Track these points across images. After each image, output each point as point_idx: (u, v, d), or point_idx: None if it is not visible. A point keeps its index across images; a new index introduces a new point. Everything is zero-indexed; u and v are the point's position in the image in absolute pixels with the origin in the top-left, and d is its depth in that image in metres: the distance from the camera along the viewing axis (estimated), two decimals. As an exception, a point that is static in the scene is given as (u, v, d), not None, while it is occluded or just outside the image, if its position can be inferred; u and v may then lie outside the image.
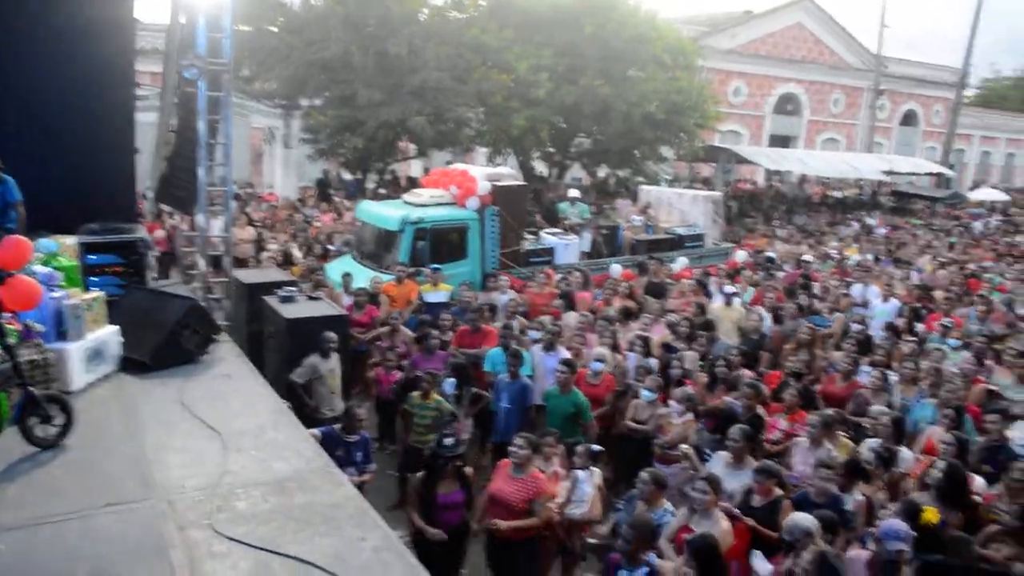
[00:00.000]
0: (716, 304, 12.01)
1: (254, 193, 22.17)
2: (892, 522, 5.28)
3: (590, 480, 6.78)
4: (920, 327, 11.67)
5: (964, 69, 39.00)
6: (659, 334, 10.36)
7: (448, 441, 6.35)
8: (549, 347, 9.31)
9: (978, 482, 6.78)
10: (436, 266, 12.18)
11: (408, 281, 11.72)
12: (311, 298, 9.39)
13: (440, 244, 12.92)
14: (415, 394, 8.33)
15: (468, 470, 6.63)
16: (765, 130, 39.30)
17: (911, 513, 5.61)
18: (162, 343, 7.00)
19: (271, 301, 9.08)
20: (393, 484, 8.78)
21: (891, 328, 10.94)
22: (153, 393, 6.50)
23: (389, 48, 18.90)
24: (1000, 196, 37.56)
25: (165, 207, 14.20)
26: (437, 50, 19.40)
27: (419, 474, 6.51)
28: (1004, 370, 9.51)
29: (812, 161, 30.71)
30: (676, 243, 15.94)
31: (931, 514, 5.61)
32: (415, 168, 26.28)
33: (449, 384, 8.64)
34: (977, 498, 6.60)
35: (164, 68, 13.43)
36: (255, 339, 9.36)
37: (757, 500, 6.21)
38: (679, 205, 17.72)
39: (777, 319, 11.24)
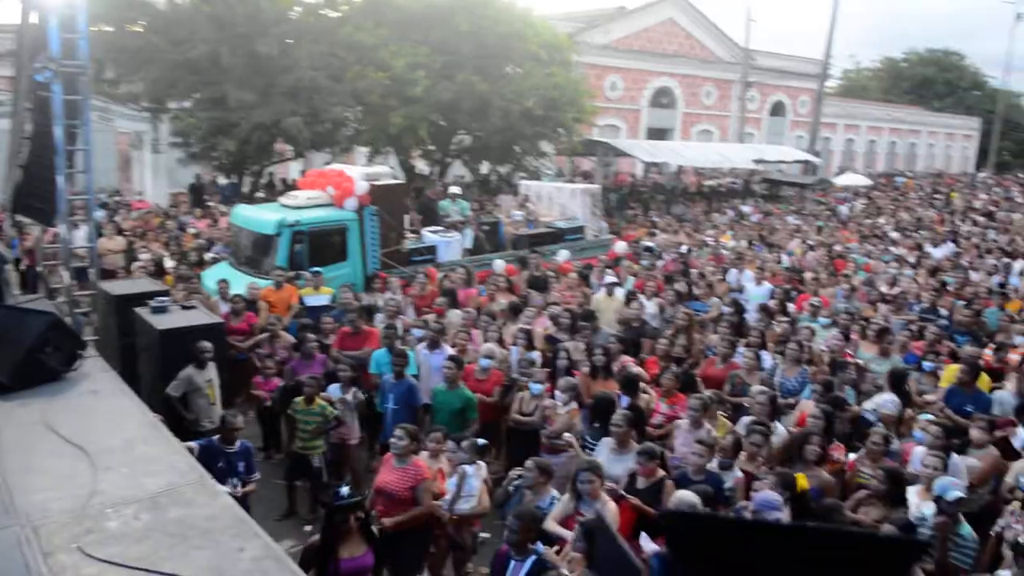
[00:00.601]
0: (599, 295, 12.24)
1: (123, 201, 21.27)
2: (766, 493, 5.48)
3: (478, 474, 6.80)
4: (791, 308, 12.16)
5: (825, 61, 40.81)
6: (542, 327, 10.48)
7: (344, 490, 5.55)
8: (434, 345, 9.29)
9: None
10: (316, 269, 11.97)
11: (287, 286, 11.48)
12: (185, 307, 9.09)
13: (319, 246, 12.68)
14: (299, 400, 8.21)
15: (378, 525, 6.10)
16: (642, 123, 40.20)
17: (786, 483, 5.85)
18: (21, 362, 6.62)
19: (142, 313, 8.76)
20: (281, 494, 8.61)
21: (764, 310, 11.37)
22: (13, 414, 6.14)
23: (260, 48, 18.41)
24: (863, 181, 39.56)
25: (24, 219, 13.48)
26: (310, 49, 19.03)
27: (314, 538, 5.69)
28: (868, 344, 10.03)
29: (687, 152, 31.59)
30: (557, 236, 16.14)
31: (803, 480, 5.88)
32: (294, 170, 25.74)
33: (335, 388, 8.55)
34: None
35: (16, 71, 12.71)
36: (127, 353, 9.01)
37: (641, 482, 6.36)
38: (559, 199, 17.93)
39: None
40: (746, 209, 27.18)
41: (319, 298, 11.54)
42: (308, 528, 8.24)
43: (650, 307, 11.51)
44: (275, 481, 8.81)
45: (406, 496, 6.41)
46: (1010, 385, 8.71)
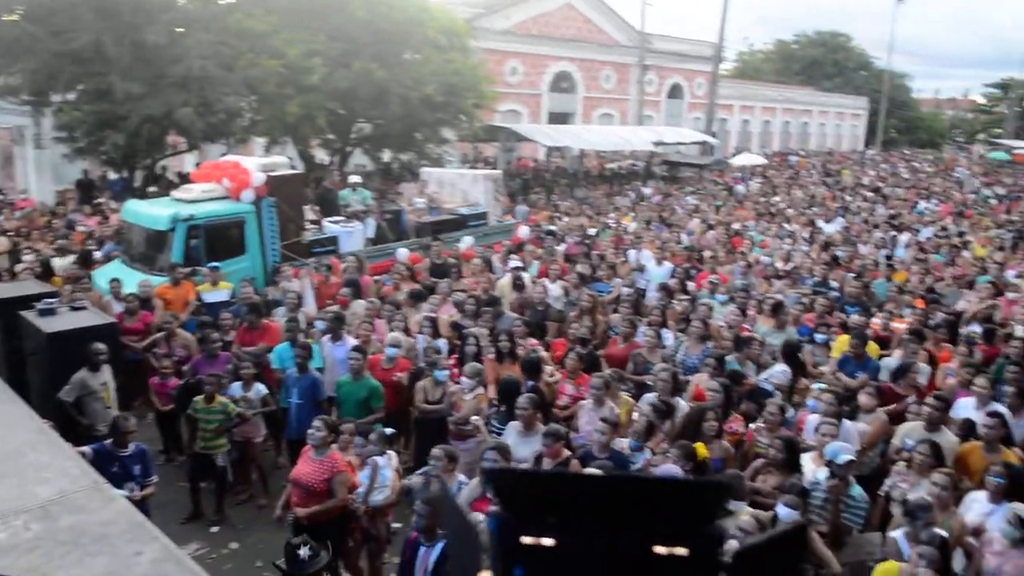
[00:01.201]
0: (503, 280, 12.30)
1: (5, 200, 20.28)
2: (666, 467, 5.61)
3: (389, 464, 6.79)
4: (691, 286, 12.46)
5: (719, 44, 41.80)
6: (447, 314, 10.47)
7: (303, 552, 5.26)
8: (336, 337, 9.18)
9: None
10: (214, 264, 11.67)
11: (184, 282, 11.18)
12: (74, 308, 8.76)
13: (216, 241, 12.34)
14: (199, 399, 8.02)
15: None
16: (543, 108, 40.41)
17: (688, 454, 6.01)
18: None
19: (29, 316, 8.41)
20: (185, 496, 8.41)
21: (664, 289, 11.61)
22: None
23: (147, 37, 17.76)
24: (759, 160, 40.76)
25: None
26: (199, 38, 18.46)
27: None
28: (764, 318, 10.36)
29: (588, 136, 31.95)
30: (460, 223, 16.11)
31: (702, 449, 6.07)
32: (188, 163, 24.98)
33: (236, 387, 8.39)
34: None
35: None
36: (15, 358, 8.65)
37: (547, 463, 6.43)
38: (461, 185, 17.91)
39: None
40: (647, 191, 27.70)
41: (218, 294, 11.28)
42: (214, 530, 8.09)
43: (554, 290, 11.63)
44: (178, 484, 8.60)
45: (322, 488, 6.38)
46: (897, 352, 9.12)
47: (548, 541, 1.23)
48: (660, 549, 1.20)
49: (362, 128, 23.66)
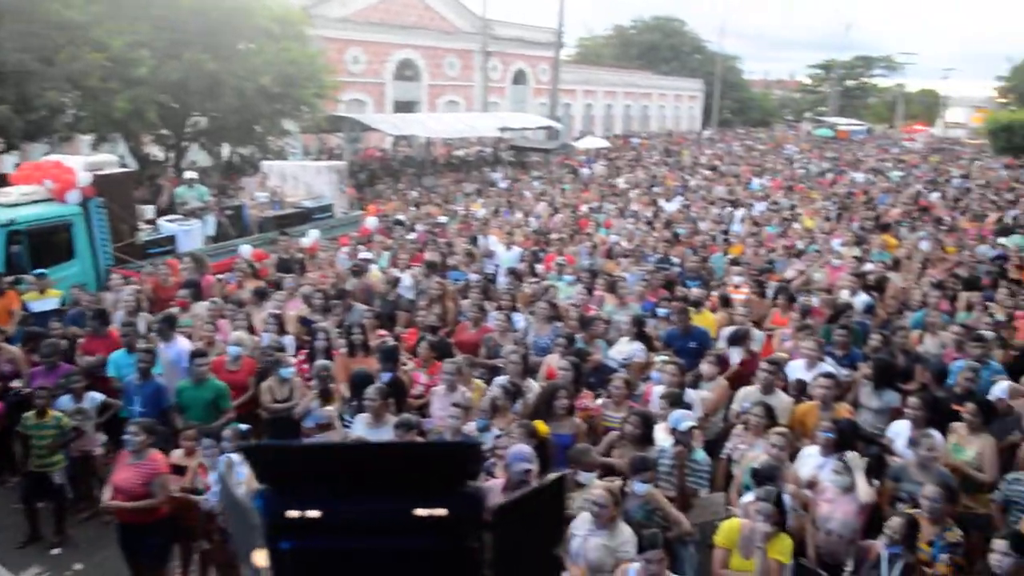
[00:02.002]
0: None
1: None
2: (517, 447, 5.68)
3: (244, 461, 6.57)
4: (540, 268, 12.65)
5: (559, 30, 42.44)
6: (295, 310, 10.24)
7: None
8: (166, 338, 8.76)
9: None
10: (40, 271, 10.94)
11: (8, 291, 10.44)
12: None
13: (40, 246, 11.57)
14: (29, 414, 7.53)
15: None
16: (388, 97, 40.00)
17: (530, 432, 6.10)
18: None
19: None
20: (21, 518, 7.89)
21: (513, 273, 11.74)
22: None
23: (-50, 30, 16.46)
24: (602, 143, 41.78)
25: None
26: (13, 29, 17.19)
27: None
28: (610, 297, 10.63)
29: (434, 124, 31.84)
30: (305, 216, 15.76)
31: (541, 427, 6.19)
32: (7, 164, 23.33)
33: (65, 400, 7.91)
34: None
35: None
36: None
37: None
38: (304, 178, 17.51)
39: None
40: (494, 177, 27.89)
41: (46, 302, 10.57)
42: (56, 552, 7.64)
43: (404, 280, 11.55)
44: (12, 506, 8.08)
45: (142, 492, 6.29)
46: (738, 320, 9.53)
47: (314, 513, 1.25)
48: (420, 511, 1.25)
49: (197, 122, 22.67)
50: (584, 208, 19.63)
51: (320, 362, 8.16)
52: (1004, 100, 67.19)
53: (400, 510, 1.25)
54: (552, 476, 1.44)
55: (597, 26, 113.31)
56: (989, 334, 8.95)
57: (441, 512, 1.25)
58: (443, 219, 17.07)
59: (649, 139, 51.07)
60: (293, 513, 1.26)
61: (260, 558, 1.29)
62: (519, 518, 1.33)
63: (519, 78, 49.72)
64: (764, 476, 5.66)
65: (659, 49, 75.28)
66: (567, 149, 37.15)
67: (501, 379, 7.81)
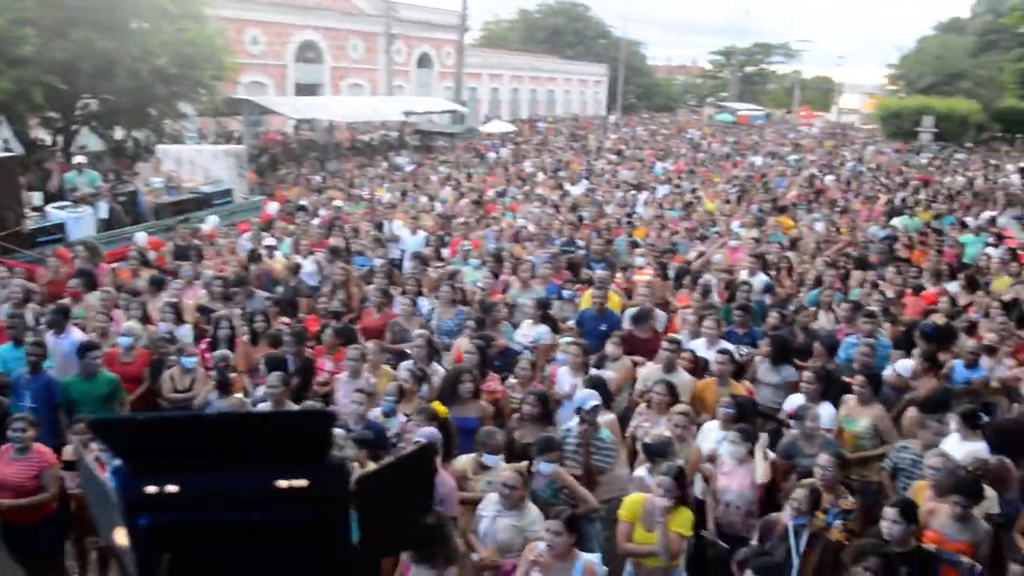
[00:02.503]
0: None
1: None
2: (423, 429, 5.66)
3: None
4: (446, 252, 12.58)
5: (463, 13, 42.20)
6: (193, 298, 9.93)
7: None
8: (58, 328, 8.39)
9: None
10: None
11: None
12: None
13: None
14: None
15: None
16: (289, 79, 39.11)
17: (431, 415, 6.10)
18: None
19: None
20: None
21: (418, 257, 11.64)
22: None
23: None
24: (508, 127, 41.82)
25: None
26: None
27: None
28: (516, 280, 10.64)
29: (336, 107, 31.31)
30: (203, 202, 15.30)
31: (441, 409, 6.20)
32: None
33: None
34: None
35: None
36: None
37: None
38: (201, 162, 16.98)
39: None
40: (400, 161, 27.63)
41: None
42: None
43: (307, 266, 11.32)
44: None
45: (32, 486, 6.05)
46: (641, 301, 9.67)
47: (172, 488, 1.22)
48: (281, 483, 1.23)
49: (88, 104, 21.69)
50: (490, 192, 19.63)
51: (219, 352, 7.95)
52: (894, 87, 69.97)
53: (261, 482, 1.23)
54: (416, 445, 1.43)
55: (502, 10, 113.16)
56: (879, 310, 9.33)
57: (302, 483, 1.23)
58: (341, 204, 16.72)
59: (555, 123, 51.34)
60: (150, 488, 1.22)
61: (120, 536, 1.25)
62: (384, 488, 1.32)
63: (424, 61, 49.31)
64: (655, 451, 5.77)
65: (564, 34, 75.67)
66: (473, 133, 37.05)
67: (407, 364, 7.77)
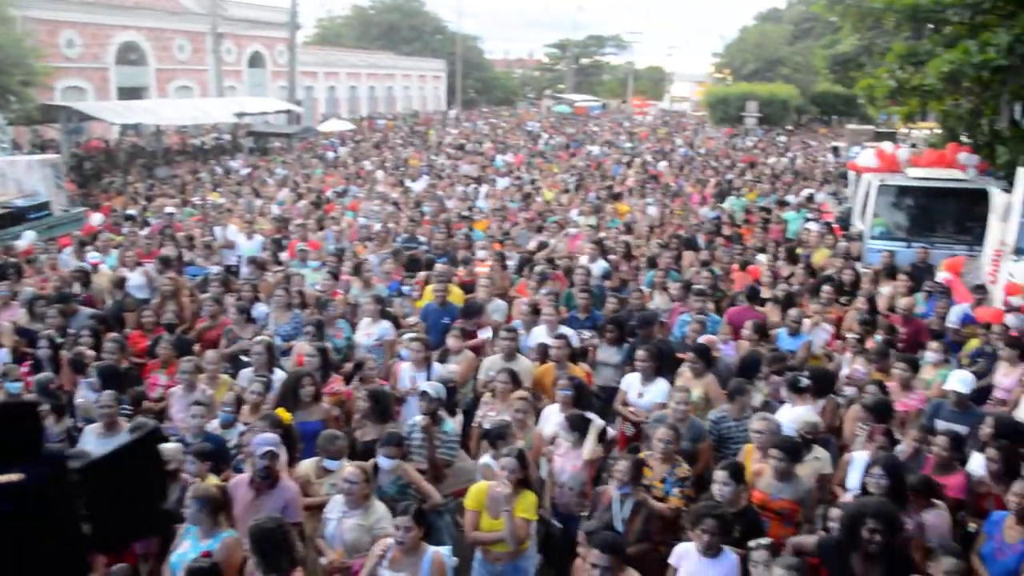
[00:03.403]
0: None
1: None
2: (262, 435, 5.53)
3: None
4: (284, 256, 12.29)
5: (293, 10, 41.19)
6: (8, 319, 9.29)
7: None
8: None
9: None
10: None
11: None
12: None
13: None
14: None
15: None
16: (111, 83, 37.09)
17: (275, 422, 5.98)
18: None
19: None
20: None
21: (255, 262, 11.31)
22: None
23: None
24: (347, 126, 41.18)
25: None
26: None
27: None
28: (356, 280, 10.51)
29: (163, 111, 29.94)
30: (17, 217, 14.32)
31: (284, 414, 6.10)
32: None
33: None
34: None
35: None
36: None
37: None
38: (13, 174, 15.86)
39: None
40: (234, 164, 26.76)
41: None
42: None
43: (135, 278, 10.78)
44: None
45: None
46: (482, 293, 9.76)
47: None
48: None
49: None
50: (329, 192, 19.31)
51: (42, 375, 7.48)
52: (720, 75, 73.39)
53: None
54: (140, 432, 1.41)
55: (336, 6, 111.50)
56: (707, 287, 9.78)
57: (17, 477, 1.22)
58: (172, 211, 15.97)
59: (395, 120, 51.01)
60: None
61: None
62: (111, 477, 1.31)
63: (256, 61, 47.89)
64: (495, 436, 5.86)
65: (400, 30, 75.17)
66: (311, 133, 36.26)
67: (247, 372, 7.56)
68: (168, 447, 5.67)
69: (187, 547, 4.99)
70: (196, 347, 8.56)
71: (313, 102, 51.55)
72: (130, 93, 36.74)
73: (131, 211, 16.22)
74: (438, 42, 76.75)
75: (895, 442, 6.08)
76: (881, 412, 6.35)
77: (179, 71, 41.42)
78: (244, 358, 8.14)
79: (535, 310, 8.78)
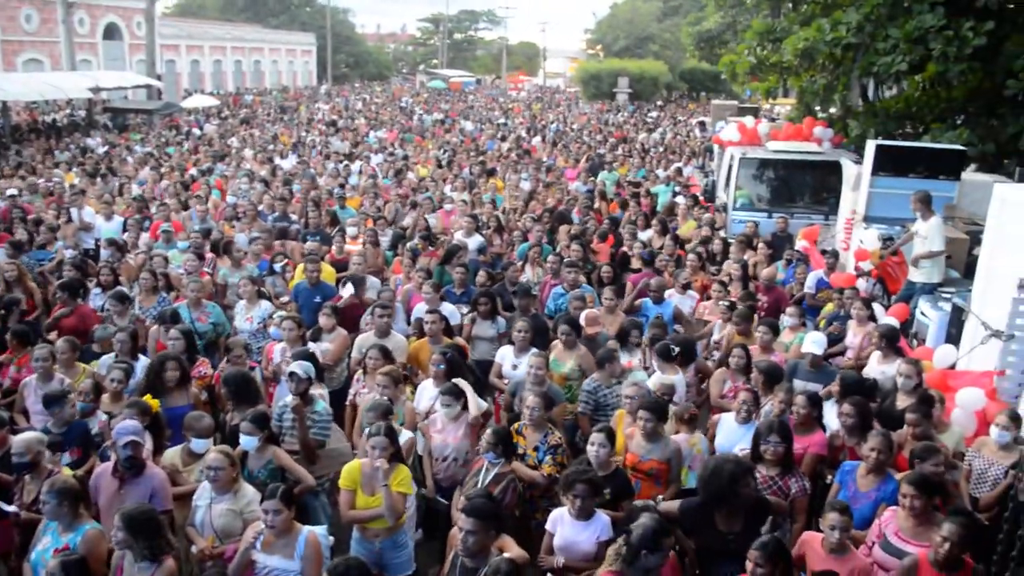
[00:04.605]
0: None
1: None
2: (124, 423, 5.33)
3: None
4: (145, 237, 11.78)
5: (149, -23, 39.34)
6: None
7: None
8: None
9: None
10: None
11: None
12: None
13: None
14: None
15: None
16: (-49, 57, 34.69)
17: (143, 409, 5.78)
18: None
19: None
20: None
21: (114, 244, 10.82)
22: None
23: None
24: (211, 102, 39.66)
25: None
26: None
27: None
28: (224, 260, 10.20)
29: (9, 86, 28.03)
30: None
31: (152, 402, 5.91)
32: None
33: None
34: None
35: None
36: None
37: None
38: None
39: None
40: (91, 142, 25.44)
41: None
42: None
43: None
44: None
45: None
46: (354, 270, 9.63)
47: None
48: None
49: None
50: (193, 170, 18.58)
51: None
52: (592, 51, 74.44)
53: None
54: None
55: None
56: (579, 260, 9.97)
57: None
58: (15, 192, 14.89)
59: (262, 96, 49.55)
60: None
61: None
62: None
63: (112, 33, 45.53)
64: (381, 413, 5.82)
65: (266, 2, 73.03)
66: (173, 108, 34.71)
67: (107, 359, 7.24)
68: (25, 437, 5.40)
69: (47, 543, 4.78)
70: (53, 335, 8.13)
71: (175, 77, 49.53)
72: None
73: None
74: (307, 15, 75.00)
75: (758, 403, 6.37)
76: (772, 375, 6.71)
77: (27, 43, 39.00)
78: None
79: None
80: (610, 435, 5.56)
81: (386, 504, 5.25)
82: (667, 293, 9.06)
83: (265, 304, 8.70)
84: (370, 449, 5.24)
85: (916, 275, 9.43)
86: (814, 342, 7.22)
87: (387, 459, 5.23)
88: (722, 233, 12.70)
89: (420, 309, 8.45)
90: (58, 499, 4.72)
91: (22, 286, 9.20)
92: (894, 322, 8.25)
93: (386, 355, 6.87)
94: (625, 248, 11.19)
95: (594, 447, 5.44)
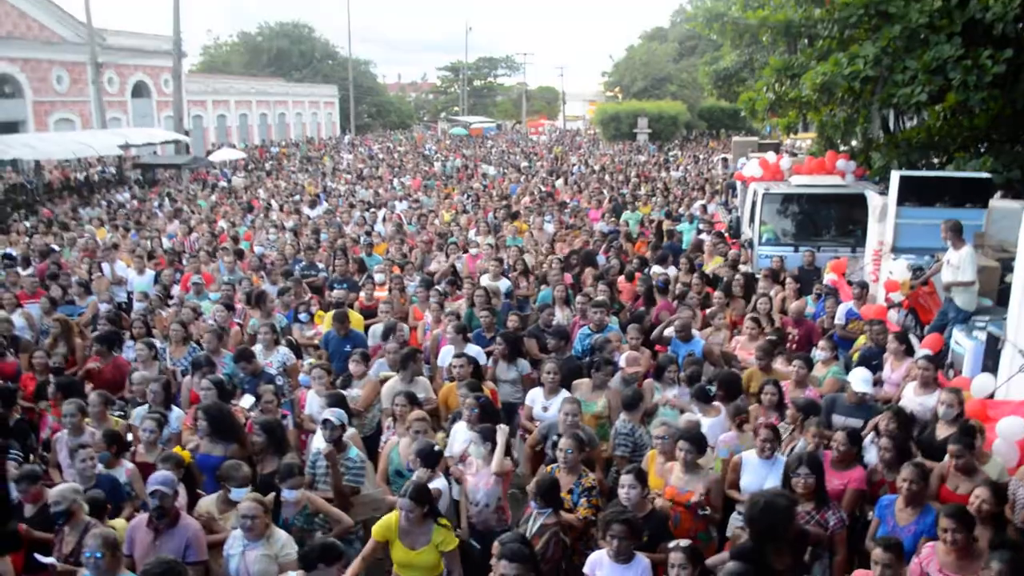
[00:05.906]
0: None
1: None
2: (153, 475, 5.36)
3: None
4: (177, 290, 11.94)
5: (176, 38, 40.13)
6: None
7: None
8: None
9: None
10: None
11: None
12: None
13: None
14: None
15: None
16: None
17: (177, 462, 5.81)
18: None
19: None
20: None
21: (147, 297, 10.97)
22: None
23: None
24: (238, 154, 40.33)
25: None
26: None
27: None
28: (251, 310, 10.28)
29: (42, 145, 28.73)
30: None
31: (184, 454, 5.95)
32: None
33: None
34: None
35: None
36: None
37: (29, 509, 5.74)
38: None
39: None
40: (121, 198, 25.91)
41: None
42: None
43: (15, 320, 10.26)
44: None
45: None
46: (382, 318, 9.71)
47: None
48: None
49: None
50: (222, 223, 18.85)
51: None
52: (611, 93, 75.02)
53: None
54: None
55: (222, 33, 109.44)
56: (606, 300, 9.94)
57: None
58: (54, 247, 15.19)
59: (288, 147, 50.29)
60: None
61: None
62: None
63: (141, 91, 46.51)
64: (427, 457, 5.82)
65: (290, 56, 74.39)
66: (201, 163, 35.33)
67: (141, 411, 7.31)
68: (60, 487, 5.45)
69: (87, 594, 4.78)
70: (88, 387, 8.21)
71: (202, 131, 50.41)
72: (6, 127, 35.19)
73: (10, 250, 15.45)
74: (329, 67, 76.20)
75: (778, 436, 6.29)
76: (810, 411, 6.60)
77: (58, 103, 39.91)
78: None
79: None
80: (639, 475, 5.51)
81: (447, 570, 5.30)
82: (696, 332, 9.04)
83: (283, 350, 8.74)
84: (399, 509, 5.24)
85: (957, 300, 9.28)
86: (862, 380, 7.08)
87: (419, 518, 5.20)
88: (748, 268, 12.65)
89: (447, 354, 8.48)
90: (101, 550, 4.70)
91: (67, 340, 9.33)
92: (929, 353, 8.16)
93: (412, 401, 6.88)
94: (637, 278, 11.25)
95: (624, 489, 5.39)
